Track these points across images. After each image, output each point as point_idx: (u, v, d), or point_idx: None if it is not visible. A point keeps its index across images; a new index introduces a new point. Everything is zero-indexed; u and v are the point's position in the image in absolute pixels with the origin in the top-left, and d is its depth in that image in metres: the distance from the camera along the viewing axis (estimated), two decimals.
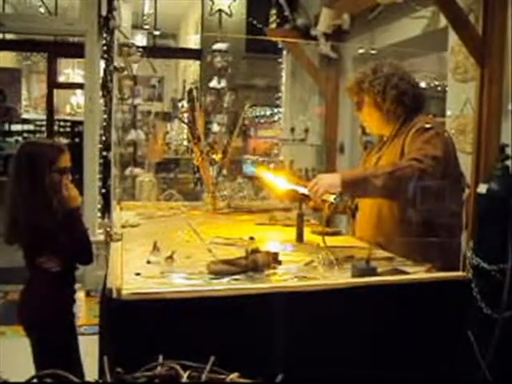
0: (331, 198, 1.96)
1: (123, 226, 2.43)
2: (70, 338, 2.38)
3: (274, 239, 2.29)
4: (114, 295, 1.39)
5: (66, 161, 2.32)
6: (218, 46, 4.85)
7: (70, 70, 12.30)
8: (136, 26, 9.43)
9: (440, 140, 2.08)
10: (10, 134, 11.35)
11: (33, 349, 2.29)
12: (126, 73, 5.24)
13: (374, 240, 2.12)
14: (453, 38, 3.61)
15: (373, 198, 2.12)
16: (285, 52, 6.26)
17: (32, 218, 2.21)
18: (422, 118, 2.20)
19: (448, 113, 3.46)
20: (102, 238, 3.69)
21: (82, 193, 5.30)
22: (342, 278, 1.67)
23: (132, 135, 5.36)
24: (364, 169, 2.28)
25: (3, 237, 2.29)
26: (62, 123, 11.50)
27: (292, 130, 5.73)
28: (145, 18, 9.20)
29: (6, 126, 11.19)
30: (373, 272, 1.67)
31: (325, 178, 2.04)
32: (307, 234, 2.26)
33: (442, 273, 1.76)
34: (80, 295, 4.75)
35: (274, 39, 5.88)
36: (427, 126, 2.13)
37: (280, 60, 6.36)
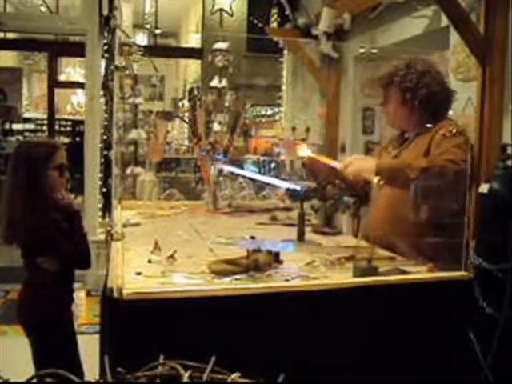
0: (374, 179, 2.00)
1: (124, 226, 2.42)
2: (69, 337, 2.37)
3: (275, 239, 2.29)
4: (115, 295, 1.39)
5: (62, 157, 2.32)
6: (218, 45, 4.83)
7: (71, 69, 12.29)
8: (137, 25, 9.43)
9: (469, 148, 2.10)
10: (11, 133, 11.35)
11: (32, 348, 2.29)
12: (126, 72, 5.24)
13: (384, 237, 2.12)
14: (454, 37, 3.60)
15: (402, 188, 2.08)
16: (286, 51, 6.26)
17: (29, 216, 2.20)
18: (448, 122, 2.19)
19: (450, 112, 3.45)
20: (102, 237, 3.69)
21: (82, 192, 5.32)
22: (344, 277, 1.67)
23: (133, 134, 5.35)
24: (398, 160, 2.25)
25: (1, 236, 2.28)
26: (62, 122, 11.49)
27: (293, 129, 5.71)
28: (146, 17, 9.20)
29: (7, 125, 11.19)
30: (374, 272, 1.67)
31: (360, 160, 2.10)
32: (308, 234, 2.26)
33: (444, 272, 1.76)
34: (81, 294, 4.76)
35: (274, 38, 5.87)
36: (457, 130, 2.14)
37: (281, 59, 6.36)
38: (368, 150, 5.65)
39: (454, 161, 1.97)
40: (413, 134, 2.27)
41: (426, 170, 1.95)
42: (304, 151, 2.43)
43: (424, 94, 2.18)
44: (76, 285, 2.52)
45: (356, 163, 2.06)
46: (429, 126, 2.21)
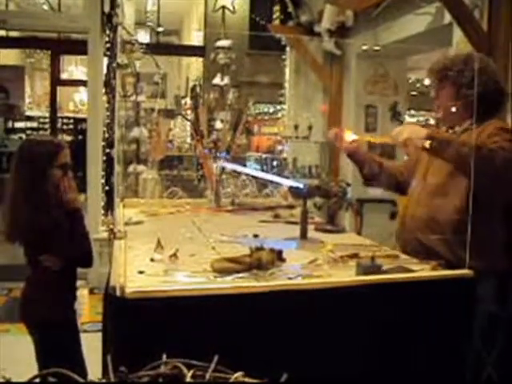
0: (427, 144, 1.98)
1: (126, 224, 2.42)
2: (73, 335, 2.38)
3: (278, 237, 2.28)
4: (118, 293, 1.38)
5: (65, 156, 2.32)
6: (221, 42, 4.82)
7: (74, 67, 12.30)
8: (139, 23, 9.42)
9: None
10: (14, 131, 11.36)
11: (35, 346, 2.29)
12: (129, 70, 5.23)
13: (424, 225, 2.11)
14: (457, 34, 3.59)
15: (449, 161, 2.04)
16: (288, 48, 6.25)
17: (32, 215, 2.20)
18: (497, 121, 2.16)
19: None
20: (105, 235, 3.69)
21: (85, 190, 5.33)
22: (347, 275, 1.66)
23: (135, 132, 5.35)
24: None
25: (5, 235, 2.29)
26: (65, 120, 11.49)
27: (295, 127, 5.72)
28: (148, 14, 9.20)
29: (10, 124, 11.20)
30: (378, 270, 1.66)
31: (414, 126, 2.11)
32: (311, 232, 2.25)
33: (448, 271, 1.75)
34: (83, 292, 4.76)
35: (277, 36, 5.87)
36: (508, 127, 2.15)
37: (283, 57, 6.35)
38: (370, 148, 5.64)
39: (505, 148, 1.93)
40: (460, 129, 2.23)
41: (479, 148, 1.89)
42: (351, 136, 2.46)
43: (478, 91, 2.09)
44: (78, 283, 2.52)
45: (409, 128, 2.10)
46: (477, 124, 2.14)
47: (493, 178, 1.94)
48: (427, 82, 5.38)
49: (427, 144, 1.97)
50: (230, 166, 3.07)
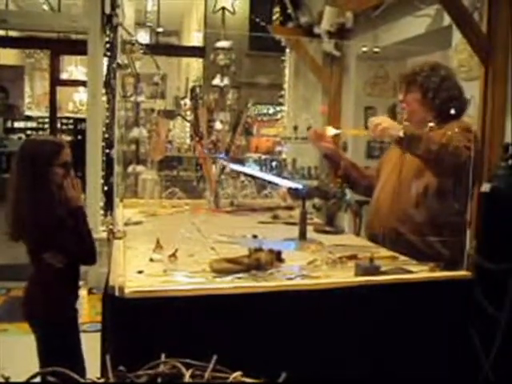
0: (401, 133, 2.10)
1: (126, 224, 2.42)
2: (73, 333, 2.39)
3: (277, 237, 2.28)
4: (117, 293, 1.39)
5: (67, 155, 2.34)
6: (221, 43, 4.83)
7: (73, 68, 12.30)
8: (139, 24, 9.43)
9: (477, 141, 2.32)
10: (13, 131, 11.37)
11: (37, 344, 2.30)
12: (128, 70, 5.23)
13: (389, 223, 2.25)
14: (457, 36, 3.60)
15: (418, 155, 2.18)
16: (288, 50, 6.25)
17: (36, 213, 2.22)
18: (459, 123, 2.29)
19: (452, 111, 3.45)
20: (104, 235, 3.69)
21: (84, 190, 5.31)
22: (346, 276, 1.67)
23: (135, 133, 5.35)
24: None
25: (8, 233, 2.30)
26: (64, 120, 11.51)
27: (295, 128, 5.72)
28: (148, 15, 9.20)
29: (9, 123, 11.20)
30: (376, 271, 1.67)
31: (387, 119, 2.24)
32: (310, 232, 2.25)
33: (446, 272, 1.75)
34: (82, 293, 4.75)
35: (277, 37, 5.87)
36: (468, 126, 2.30)
37: (283, 58, 6.35)
38: (370, 149, 5.65)
39: (468, 146, 2.09)
40: (425, 131, 2.30)
41: (445, 146, 2.08)
42: (331, 131, 2.56)
43: (443, 97, 2.32)
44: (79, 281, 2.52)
45: (385, 120, 2.20)
46: (439, 126, 2.30)
47: (457, 173, 2.11)
48: None
49: (401, 134, 2.11)
50: (229, 167, 3.08)
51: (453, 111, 2.28)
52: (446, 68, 2.44)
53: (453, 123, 2.24)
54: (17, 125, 11.43)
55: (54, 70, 9.29)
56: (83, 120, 8.43)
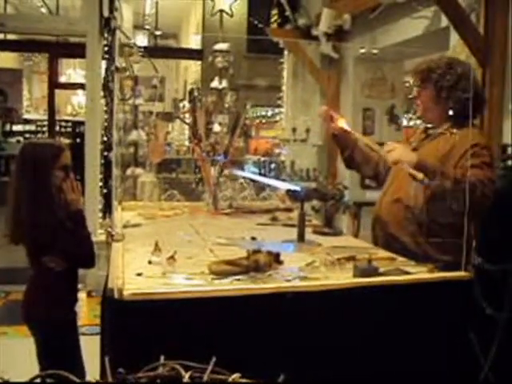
0: (420, 176, 2.04)
1: (124, 226, 2.42)
2: (73, 336, 2.39)
3: (276, 239, 2.29)
4: (116, 295, 1.39)
5: (67, 158, 2.35)
6: (219, 46, 4.85)
7: (72, 71, 12.31)
8: (137, 26, 9.44)
9: (494, 161, 2.21)
10: (12, 134, 11.36)
11: (37, 346, 2.31)
12: (127, 73, 5.24)
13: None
14: (454, 38, 3.61)
15: (431, 189, 2.13)
16: (286, 52, 6.26)
17: (36, 216, 2.22)
18: (473, 131, 2.18)
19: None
20: (103, 238, 3.69)
21: (83, 193, 5.31)
22: (344, 278, 1.67)
23: (133, 135, 5.37)
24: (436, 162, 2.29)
25: (8, 236, 2.30)
26: (63, 123, 11.51)
27: (293, 130, 5.73)
28: (146, 18, 9.20)
29: (8, 127, 11.19)
30: (375, 272, 1.67)
31: (403, 148, 2.17)
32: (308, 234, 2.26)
33: (445, 273, 1.76)
34: (81, 295, 4.75)
35: (275, 39, 5.88)
36: (484, 142, 2.21)
37: (281, 60, 6.36)
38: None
39: (483, 182, 2.02)
40: (436, 132, 2.30)
41: (458, 182, 1.99)
42: (343, 123, 2.48)
43: (458, 96, 2.20)
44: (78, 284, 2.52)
45: (400, 149, 2.12)
46: (453, 130, 2.25)
47: (470, 208, 1.99)
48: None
49: (414, 173, 2.04)
50: (227, 169, 3.08)
51: (467, 112, 2.13)
52: (464, 65, 2.30)
53: (466, 130, 2.14)
54: (15, 128, 11.42)
55: (53, 73, 9.29)
56: (82, 123, 8.42)
